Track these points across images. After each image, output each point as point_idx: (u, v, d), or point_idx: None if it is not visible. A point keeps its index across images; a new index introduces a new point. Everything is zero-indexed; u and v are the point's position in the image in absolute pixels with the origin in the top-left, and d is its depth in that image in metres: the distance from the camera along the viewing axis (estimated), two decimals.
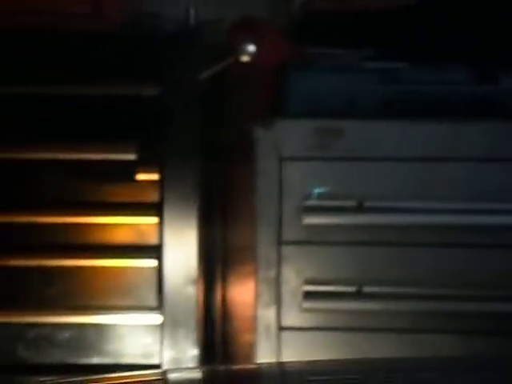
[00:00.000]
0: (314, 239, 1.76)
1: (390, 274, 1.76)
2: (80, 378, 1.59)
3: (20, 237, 1.82)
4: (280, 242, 1.78)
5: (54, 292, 1.79)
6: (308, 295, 1.72)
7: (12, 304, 1.82)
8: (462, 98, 1.80)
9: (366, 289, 1.70)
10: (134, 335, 1.82)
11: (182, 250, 1.82)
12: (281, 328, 1.74)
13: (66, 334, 1.80)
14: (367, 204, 1.70)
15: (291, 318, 1.75)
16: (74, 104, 1.80)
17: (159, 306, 1.78)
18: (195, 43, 1.88)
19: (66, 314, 1.81)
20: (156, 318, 1.78)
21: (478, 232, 1.68)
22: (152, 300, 1.79)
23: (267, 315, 1.74)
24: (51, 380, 1.75)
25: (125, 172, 1.80)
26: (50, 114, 1.80)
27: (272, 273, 1.74)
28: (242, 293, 1.95)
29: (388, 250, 1.75)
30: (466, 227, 1.67)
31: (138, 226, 1.84)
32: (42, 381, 1.84)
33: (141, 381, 1.36)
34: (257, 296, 1.74)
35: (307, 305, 1.70)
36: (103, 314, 1.82)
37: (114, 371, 1.82)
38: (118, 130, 1.81)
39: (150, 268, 1.80)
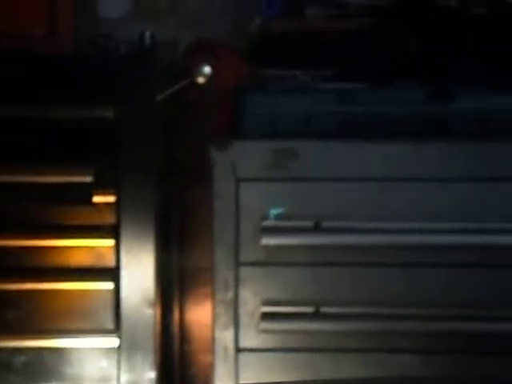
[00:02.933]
0: (272, 260, 1.72)
1: (348, 295, 1.72)
2: None
3: None
4: (238, 264, 1.73)
5: (10, 316, 1.73)
6: (266, 316, 1.69)
7: None
8: (418, 118, 1.78)
9: (324, 309, 1.69)
10: (91, 359, 1.75)
11: (138, 272, 1.75)
12: (239, 349, 1.71)
13: (23, 359, 1.73)
14: (324, 224, 1.68)
15: (249, 340, 1.72)
16: (28, 126, 1.72)
17: (116, 329, 1.71)
18: (151, 65, 1.81)
19: (23, 338, 1.75)
20: (113, 341, 1.72)
21: (437, 251, 1.68)
22: (109, 323, 1.72)
23: (225, 337, 1.72)
24: None
25: (81, 194, 1.73)
26: (5, 136, 1.71)
27: (230, 294, 1.72)
28: (199, 314, 1.90)
29: (346, 271, 1.71)
30: (424, 247, 1.67)
31: (95, 248, 1.76)
32: None
33: None
34: (214, 318, 1.72)
35: (265, 326, 1.68)
36: (60, 337, 1.75)
37: None
38: (73, 152, 1.74)
39: (106, 290, 1.73)
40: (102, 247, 1.76)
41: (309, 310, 1.69)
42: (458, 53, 1.85)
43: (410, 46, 1.86)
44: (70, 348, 1.75)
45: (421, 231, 1.68)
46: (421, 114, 1.79)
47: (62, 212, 1.77)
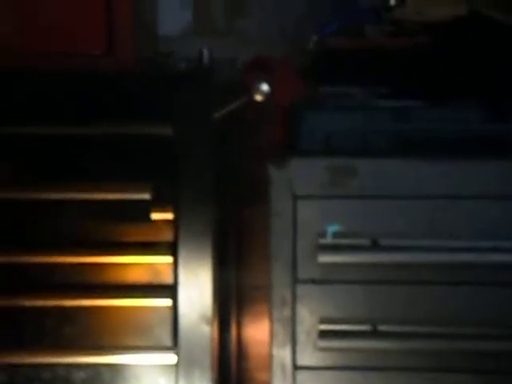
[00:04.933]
0: (329, 278, 1.66)
1: (405, 313, 1.65)
2: None
3: (35, 277, 1.76)
4: (295, 281, 1.65)
5: (68, 332, 1.73)
6: (323, 334, 1.64)
7: (26, 345, 1.76)
8: (474, 136, 1.72)
9: (382, 327, 1.64)
10: (148, 375, 1.72)
11: (196, 289, 1.71)
12: (296, 367, 1.66)
13: (82, 375, 1.70)
14: (382, 242, 1.63)
15: (306, 357, 1.66)
16: (88, 144, 1.73)
17: (174, 346, 1.69)
18: (209, 82, 1.79)
19: (81, 354, 1.73)
20: (171, 358, 1.69)
21: (494, 270, 1.63)
22: (166, 340, 1.70)
23: (282, 354, 1.67)
24: None
25: (139, 212, 1.71)
26: (63, 154, 1.74)
27: (286, 312, 1.67)
28: (256, 332, 1.94)
29: (402, 289, 1.66)
30: (481, 265, 1.62)
31: (153, 265, 1.74)
32: None
33: None
34: (271, 335, 1.68)
35: (322, 344, 1.63)
36: (118, 353, 1.73)
37: None
38: (132, 169, 1.73)
39: (164, 307, 1.71)
40: (160, 264, 1.74)
41: (366, 328, 1.64)
42: None
43: (470, 67, 1.84)
44: (128, 365, 1.74)
45: (477, 249, 1.63)
46: (477, 132, 1.74)
47: (120, 229, 1.76)
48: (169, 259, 1.69)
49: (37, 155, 1.74)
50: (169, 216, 1.69)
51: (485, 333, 1.61)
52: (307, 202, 1.65)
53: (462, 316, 1.63)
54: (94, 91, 1.74)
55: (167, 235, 1.70)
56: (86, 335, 1.72)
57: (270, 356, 1.66)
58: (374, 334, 1.64)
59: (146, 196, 1.67)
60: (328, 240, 1.61)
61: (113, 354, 1.71)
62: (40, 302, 1.74)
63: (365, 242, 1.62)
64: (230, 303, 1.95)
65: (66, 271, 1.74)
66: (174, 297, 1.69)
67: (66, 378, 1.69)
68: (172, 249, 1.70)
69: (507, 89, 1.75)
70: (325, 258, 1.62)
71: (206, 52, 1.77)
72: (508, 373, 1.58)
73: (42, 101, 1.76)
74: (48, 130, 1.71)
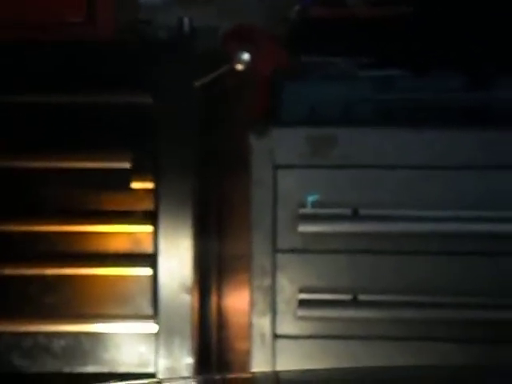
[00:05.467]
0: (309, 247, 1.77)
1: (385, 282, 1.77)
2: None
3: (16, 246, 1.82)
4: (275, 250, 1.76)
5: (49, 300, 1.79)
6: (303, 303, 1.71)
7: (8, 313, 1.80)
8: (455, 105, 1.79)
9: (362, 297, 1.72)
10: (129, 344, 1.81)
11: (176, 259, 1.79)
12: (276, 336, 1.74)
13: (62, 343, 1.79)
14: (362, 212, 1.71)
15: (286, 326, 1.75)
16: (67, 113, 1.78)
17: (154, 315, 1.76)
18: (189, 51, 1.85)
19: (62, 323, 1.80)
20: (151, 327, 1.76)
21: (472, 240, 1.68)
22: (147, 309, 1.77)
23: (262, 323, 1.75)
24: None
25: (119, 181, 1.78)
26: (43, 123, 1.79)
27: (267, 281, 1.74)
28: (236, 301, 1.96)
29: (383, 258, 1.76)
30: (460, 235, 1.67)
31: (133, 234, 1.82)
32: None
33: None
34: (252, 304, 1.76)
35: (302, 313, 1.70)
36: (98, 322, 1.81)
37: (109, 380, 1.85)
38: (112, 138, 1.79)
39: (144, 276, 1.78)
40: (140, 233, 1.80)
41: (346, 297, 1.72)
42: (497, 40, 1.83)
43: (449, 34, 1.83)
44: (108, 333, 1.80)
45: (457, 219, 1.67)
46: (459, 101, 1.78)
47: (100, 198, 1.81)
48: (149, 228, 1.75)
49: (17, 124, 1.76)
50: (149, 185, 1.75)
51: (466, 302, 1.62)
52: (288, 172, 1.71)
53: (443, 286, 1.66)
54: (74, 60, 1.76)
55: (147, 204, 1.76)
56: (67, 304, 1.75)
57: (250, 325, 1.72)
58: (355, 303, 1.67)
59: (126, 165, 1.73)
60: (308, 210, 1.65)
61: (93, 322, 1.75)
62: (22, 271, 1.77)
63: (345, 211, 1.65)
64: (211, 272, 1.96)
65: (47, 240, 1.78)
66: (154, 266, 1.75)
67: (46, 346, 1.73)
68: (152, 218, 1.75)
69: (488, 57, 1.77)
70: (305, 228, 1.66)
71: (186, 20, 1.80)
72: (490, 342, 1.62)
73: (21, 71, 1.78)
74: (28, 98, 1.74)
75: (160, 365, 1.79)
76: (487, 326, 1.67)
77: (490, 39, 1.90)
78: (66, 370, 1.80)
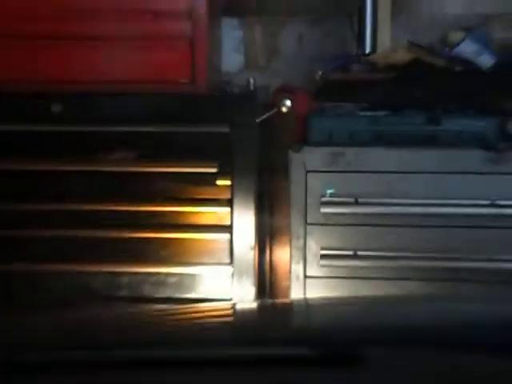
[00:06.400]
0: (327, 222, 2.33)
1: (375, 244, 2.34)
2: (180, 306, 2.04)
3: (140, 221, 2.40)
4: (305, 223, 2.34)
5: (164, 254, 2.36)
6: (323, 256, 2.31)
7: (147, 258, 2.38)
8: (418, 134, 2.37)
9: (360, 252, 2.31)
10: (214, 281, 2.36)
11: (244, 229, 2.36)
12: (306, 277, 2.33)
13: (173, 279, 2.34)
14: (360, 200, 2.29)
15: (313, 271, 2.34)
16: (182, 136, 2.34)
17: (231, 262, 2.34)
18: (253, 100, 2.40)
19: (174, 266, 2.38)
20: (229, 270, 2.35)
21: (428, 217, 2.30)
22: (226, 259, 2.35)
23: (297, 269, 2.35)
24: (163, 308, 2.21)
25: (210, 180, 2.35)
26: (169, 146, 2.36)
27: (301, 242, 2.32)
28: (282, 255, 2.47)
29: (374, 229, 2.32)
30: (423, 214, 2.30)
31: (218, 213, 2.39)
32: (156, 309, 2.21)
33: (220, 309, 1.68)
34: (291, 257, 2.33)
35: (323, 262, 2.29)
36: (196, 266, 2.36)
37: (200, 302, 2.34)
38: (207, 153, 2.35)
39: (225, 240, 2.36)
40: (223, 213, 2.38)
41: (350, 253, 2.30)
42: (444, 94, 2.46)
43: (416, 90, 2.40)
44: (201, 274, 2.36)
45: (420, 205, 2.29)
46: (420, 131, 2.38)
47: (199, 190, 2.38)
48: (228, 210, 2.32)
49: (151, 149, 2.38)
50: (228, 183, 2.31)
51: (426, 256, 2.27)
52: (314, 175, 2.31)
53: (412, 246, 2.29)
54: (183, 105, 2.33)
55: (227, 195, 2.32)
56: (175, 256, 2.35)
57: (290, 270, 2.32)
58: (356, 257, 2.30)
59: (214, 170, 2.29)
60: (327, 198, 2.27)
61: (193, 266, 2.34)
62: (139, 234, 2.39)
63: (350, 200, 2.27)
64: (266, 237, 2.50)
65: (164, 216, 2.38)
66: (231, 233, 2.30)
67: (163, 281, 2.35)
68: (230, 203, 2.32)
69: (440, 104, 2.39)
70: (325, 210, 2.28)
71: (252, 81, 2.38)
72: (444, 281, 2.24)
73: (154, 111, 2.38)
74: (156, 129, 2.35)
75: (234, 294, 2.35)
76: (443, 271, 2.29)
77: (442, 90, 2.47)
78: (175, 296, 2.34)
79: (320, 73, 2.75)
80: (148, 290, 2.37)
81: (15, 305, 2.34)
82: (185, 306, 2.15)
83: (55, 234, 2.47)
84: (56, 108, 2.30)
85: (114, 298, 2.39)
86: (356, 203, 2.36)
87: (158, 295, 2.39)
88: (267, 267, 2.58)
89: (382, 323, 1.37)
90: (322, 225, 2.41)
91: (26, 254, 2.46)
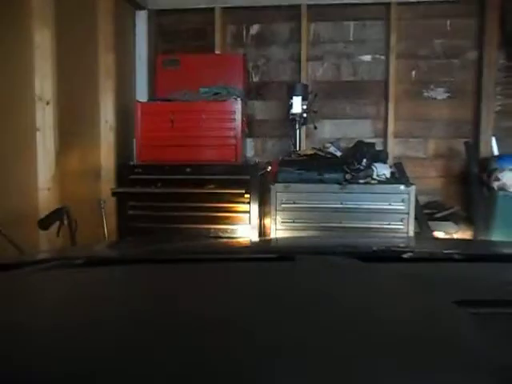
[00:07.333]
0: (283, 210, 4.79)
1: (302, 218, 5.14)
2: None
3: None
4: (276, 210, 4.81)
5: (217, 220, 5.54)
6: (282, 223, 4.78)
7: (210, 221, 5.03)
8: (315, 179, 4.76)
9: (296, 221, 4.96)
10: (242, 229, 5.01)
11: (254, 212, 4.81)
12: (276, 229, 4.79)
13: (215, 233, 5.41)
14: (296, 202, 5.03)
15: (279, 227, 4.83)
16: (232, 180, 4.75)
17: (249, 223, 4.81)
18: (257, 166, 4.89)
19: (219, 225, 5.13)
20: (248, 227, 4.83)
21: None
22: (248, 223, 4.89)
23: (272, 226, 4.84)
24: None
25: (242, 194, 4.77)
26: (230, 183, 4.74)
27: (273, 217, 4.84)
28: (267, 222, 4.90)
29: (301, 212, 5.10)
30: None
31: (244, 207, 4.87)
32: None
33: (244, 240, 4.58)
34: (270, 222, 4.91)
35: (280, 226, 4.80)
36: (227, 225, 4.94)
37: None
38: (241, 185, 4.75)
39: (246, 217, 4.86)
40: (246, 207, 4.88)
41: (291, 221, 4.84)
42: (325, 165, 4.84)
43: (315, 164, 4.78)
44: (236, 229, 5.21)
45: (317, 202, 4.74)
46: (319, 178, 4.78)
47: (237, 199, 4.85)
48: (248, 206, 4.85)
49: (223, 184, 4.90)
50: (247, 196, 4.83)
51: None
52: (279, 193, 4.83)
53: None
54: (229, 171, 4.89)
55: (247, 199, 4.87)
56: (207, 220, 5.08)
57: (270, 227, 4.89)
58: (294, 222, 5.06)
59: (243, 191, 4.80)
60: (283, 202, 4.96)
61: (226, 225, 5.26)
62: (203, 213, 5.15)
63: (291, 202, 4.98)
64: (261, 215, 4.96)
65: (220, 208, 4.97)
66: (249, 214, 4.90)
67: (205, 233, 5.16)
68: (249, 203, 4.84)
69: (323, 168, 4.76)
70: (282, 205, 4.83)
71: (256, 160, 5.05)
72: None
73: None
74: (223, 176, 4.84)
75: (249, 234, 4.83)
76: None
77: (323, 164, 4.81)
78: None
79: (280, 157, 5.27)
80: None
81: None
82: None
83: (174, 214, 4.94)
84: (188, 169, 4.91)
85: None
86: (294, 203, 4.72)
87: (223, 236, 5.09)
88: (262, 224, 5.06)
89: (319, 244, 1.99)
90: (281, 211, 4.81)
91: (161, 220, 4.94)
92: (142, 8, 5.84)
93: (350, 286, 1.06)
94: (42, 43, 3.89)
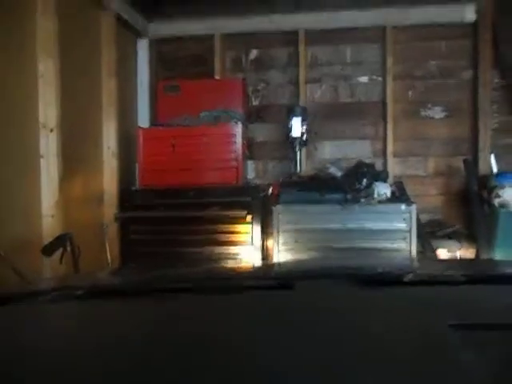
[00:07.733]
0: (284, 231, 5.24)
1: (301, 239, 5.25)
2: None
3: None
4: (278, 231, 4.97)
5: (221, 240, 5.69)
6: (283, 243, 4.95)
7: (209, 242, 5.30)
8: (314, 199, 4.94)
9: (298, 241, 5.70)
10: (245, 253, 5.39)
11: (256, 234, 5.02)
12: (279, 250, 4.92)
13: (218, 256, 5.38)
14: (296, 223, 5.21)
15: (281, 248, 4.96)
16: (235, 202, 5.01)
17: (252, 244, 5.07)
18: (259, 188, 5.19)
19: (224, 246, 5.57)
20: (251, 247, 5.03)
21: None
22: (250, 243, 5.04)
23: (275, 247, 5.04)
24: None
25: (244, 216, 4.96)
26: (232, 206, 5.07)
27: (276, 238, 4.99)
28: (269, 242, 5.13)
29: (301, 234, 5.43)
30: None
31: (246, 228, 5.04)
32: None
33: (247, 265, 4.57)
34: (273, 243, 5.18)
35: (283, 247, 4.97)
36: (231, 246, 5.25)
37: None
38: (243, 206, 4.93)
39: (249, 237, 5.04)
40: (247, 228, 5.06)
41: (293, 240, 5.18)
42: (325, 185, 5.04)
43: (314, 184, 5.21)
44: (237, 253, 5.25)
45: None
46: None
47: (239, 220, 5.05)
48: (249, 227, 5.08)
49: (224, 207, 5.07)
50: (250, 216, 5.03)
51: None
52: (281, 215, 5.06)
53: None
54: (230, 193, 5.08)
55: (249, 220, 5.07)
56: (216, 238, 5.24)
57: (273, 247, 5.10)
58: (296, 243, 5.19)
59: (245, 212, 5.03)
60: (284, 224, 5.17)
61: (229, 246, 5.27)
62: (206, 236, 5.35)
63: (292, 223, 5.25)
64: (264, 236, 5.06)
65: (222, 229, 5.16)
66: (252, 235, 5.07)
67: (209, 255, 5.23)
68: (251, 224, 5.06)
69: (324, 189, 5.02)
70: (284, 227, 5.15)
71: (256, 182, 5.53)
72: None
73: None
74: (225, 199, 5.21)
75: (251, 256, 5.06)
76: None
77: (323, 185, 5.07)
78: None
79: (281, 179, 5.52)
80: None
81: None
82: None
83: (177, 238, 5.07)
84: (190, 193, 5.24)
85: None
86: (295, 224, 4.92)
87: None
88: (265, 246, 5.17)
89: (318, 267, 1.96)
90: (283, 232, 4.95)
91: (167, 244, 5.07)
92: (143, 36, 6.07)
93: (347, 318, 1.09)
94: (46, 72, 4.00)
